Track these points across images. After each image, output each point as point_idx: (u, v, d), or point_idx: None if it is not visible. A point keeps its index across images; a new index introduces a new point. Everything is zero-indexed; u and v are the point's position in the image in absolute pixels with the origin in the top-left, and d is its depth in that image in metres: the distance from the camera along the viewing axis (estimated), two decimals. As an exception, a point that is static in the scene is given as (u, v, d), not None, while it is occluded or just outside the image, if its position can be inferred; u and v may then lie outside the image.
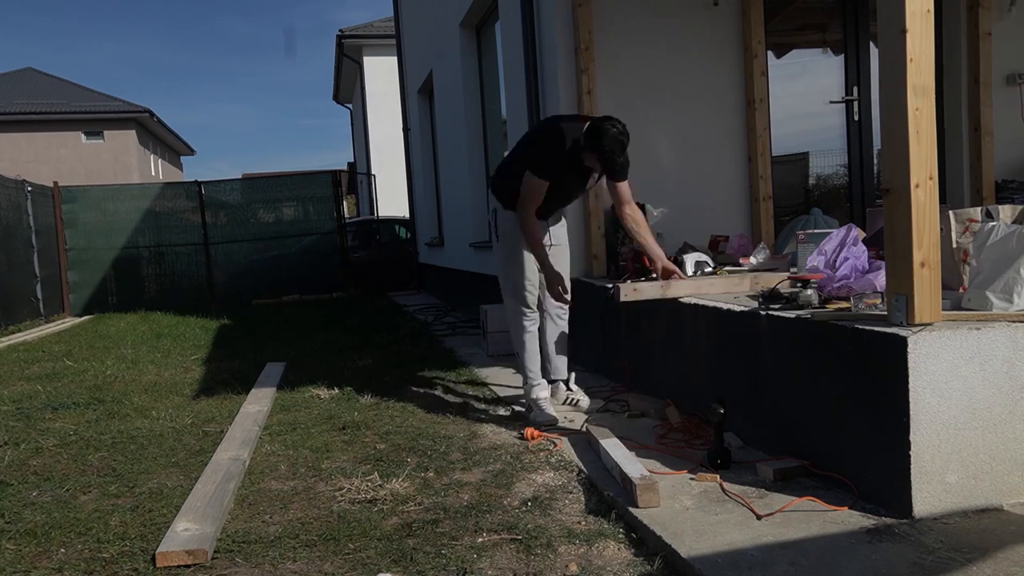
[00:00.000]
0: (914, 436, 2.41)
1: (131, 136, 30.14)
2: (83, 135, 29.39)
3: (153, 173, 33.15)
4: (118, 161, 29.34)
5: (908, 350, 2.39)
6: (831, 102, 5.86)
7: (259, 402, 4.81)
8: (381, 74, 19.21)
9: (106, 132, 29.61)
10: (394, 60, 13.86)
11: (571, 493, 2.99)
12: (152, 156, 33.51)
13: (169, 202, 13.52)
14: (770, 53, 5.68)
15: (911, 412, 2.40)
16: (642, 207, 5.10)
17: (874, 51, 5.09)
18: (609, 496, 2.84)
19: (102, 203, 13.12)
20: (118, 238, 13.15)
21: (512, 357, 5.89)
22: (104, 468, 3.68)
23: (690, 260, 4.23)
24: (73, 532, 2.87)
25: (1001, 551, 2.19)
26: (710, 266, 4.28)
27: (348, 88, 24.39)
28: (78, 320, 12.03)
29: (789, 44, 6.07)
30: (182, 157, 41.27)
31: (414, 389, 5.01)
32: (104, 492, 3.33)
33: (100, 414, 4.83)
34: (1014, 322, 2.51)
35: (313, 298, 12.96)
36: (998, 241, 2.76)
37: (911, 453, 2.41)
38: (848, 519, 2.46)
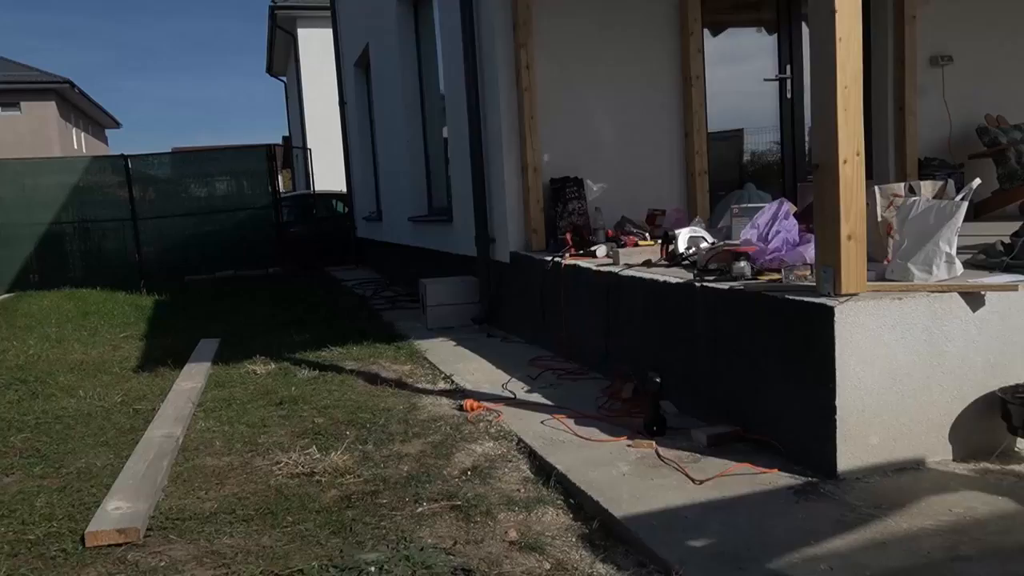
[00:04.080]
0: (839, 401, 2.51)
1: (51, 108, 28.78)
2: (-2, 106, 27.94)
3: (76, 147, 31.78)
4: (37, 134, 28.00)
5: (835, 319, 2.48)
6: (765, 80, 5.98)
7: (193, 379, 4.71)
8: (316, 46, 18.75)
9: (23, 103, 28.22)
10: (329, 32, 13.54)
11: (510, 462, 3.02)
12: (75, 130, 32.11)
13: (94, 176, 13.01)
14: (706, 31, 5.75)
15: (837, 378, 2.50)
16: (580, 182, 5.14)
17: (807, 31, 5.21)
18: (548, 464, 2.88)
19: (21, 177, 12.57)
20: (40, 214, 12.59)
21: (450, 330, 5.90)
22: (28, 449, 3.56)
23: (683, 236, 4.04)
24: (-4, 513, 2.78)
25: (915, 505, 2.31)
26: (706, 241, 3.96)
27: (281, 61, 23.76)
28: (-3, 298, 11.52)
29: (725, 23, 6.15)
30: (107, 131, 39.66)
31: (353, 363, 4.96)
32: (28, 473, 3.22)
33: (23, 394, 4.66)
34: (933, 292, 2.63)
35: (248, 274, 12.70)
36: (919, 215, 2.88)
37: (837, 417, 2.51)
38: (777, 480, 2.56)
